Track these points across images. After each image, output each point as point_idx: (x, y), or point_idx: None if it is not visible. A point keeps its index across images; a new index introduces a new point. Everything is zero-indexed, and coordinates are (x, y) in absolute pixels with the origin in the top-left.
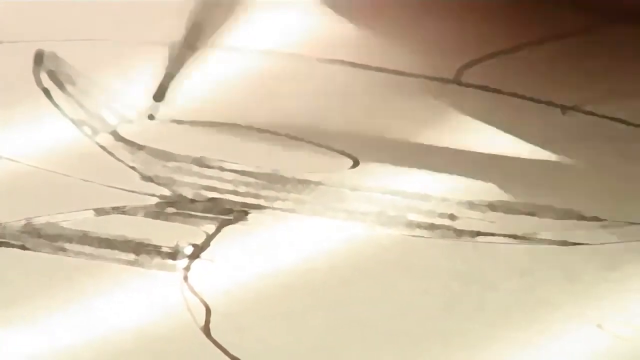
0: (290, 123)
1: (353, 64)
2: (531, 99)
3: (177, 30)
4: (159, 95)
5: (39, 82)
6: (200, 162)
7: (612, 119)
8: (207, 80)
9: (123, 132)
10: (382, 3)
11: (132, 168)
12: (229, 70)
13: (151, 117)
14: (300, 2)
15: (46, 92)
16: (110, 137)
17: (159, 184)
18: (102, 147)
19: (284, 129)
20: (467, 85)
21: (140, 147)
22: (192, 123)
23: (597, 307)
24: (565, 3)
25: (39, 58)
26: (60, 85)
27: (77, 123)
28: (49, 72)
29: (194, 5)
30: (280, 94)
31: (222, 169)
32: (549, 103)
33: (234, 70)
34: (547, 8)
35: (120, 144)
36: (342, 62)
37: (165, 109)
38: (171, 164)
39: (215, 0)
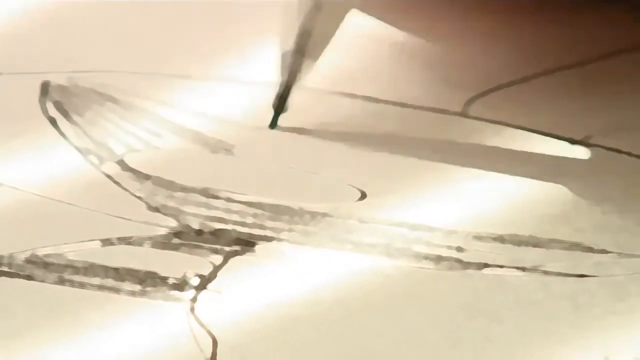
0: (296, 154)
1: (358, 96)
2: (539, 132)
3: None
4: (280, 105)
5: (45, 112)
6: (207, 193)
7: (619, 151)
8: (209, 110)
9: (130, 161)
10: (387, 35)
11: (139, 198)
12: (234, 101)
13: (273, 126)
14: None
15: (52, 121)
16: (117, 167)
17: (165, 214)
18: (108, 176)
19: (291, 161)
20: (475, 118)
21: (147, 177)
22: (199, 152)
23: (604, 339)
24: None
25: (45, 89)
26: (66, 115)
27: (84, 152)
28: (55, 102)
29: (303, 12)
30: (286, 127)
31: (229, 200)
32: (557, 136)
33: (238, 101)
34: (556, 37)
35: (127, 173)
36: (347, 94)
37: (286, 119)
38: (178, 194)
39: (323, 5)
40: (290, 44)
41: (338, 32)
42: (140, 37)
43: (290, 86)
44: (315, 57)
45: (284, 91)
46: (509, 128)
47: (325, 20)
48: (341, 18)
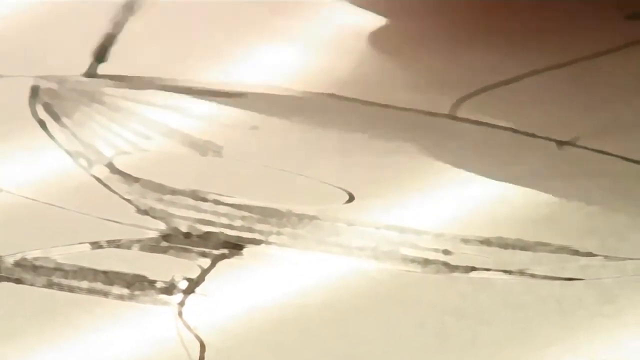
0: (285, 157)
1: (346, 98)
2: (526, 133)
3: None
4: (101, 54)
5: (34, 114)
6: (196, 195)
7: (606, 153)
8: (197, 114)
9: (119, 164)
10: (375, 36)
11: (128, 201)
12: (223, 103)
13: (92, 75)
14: (294, 38)
15: (42, 123)
16: (106, 169)
17: (154, 217)
18: (97, 179)
19: (280, 164)
20: (463, 120)
21: (136, 180)
22: (188, 154)
23: (591, 342)
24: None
25: (34, 91)
26: (55, 117)
27: (73, 155)
28: (44, 104)
29: None
30: (274, 128)
31: (217, 202)
32: (545, 137)
33: (226, 103)
34: (544, 37)
35: (116, 176)
36: (335, 96)
37: (105, 67)
38: (167, 197)
39: None
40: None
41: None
42: (129, 39)
43: (114, 36)
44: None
45: (106, 40)
46: (496, 130)
47: None
48: None
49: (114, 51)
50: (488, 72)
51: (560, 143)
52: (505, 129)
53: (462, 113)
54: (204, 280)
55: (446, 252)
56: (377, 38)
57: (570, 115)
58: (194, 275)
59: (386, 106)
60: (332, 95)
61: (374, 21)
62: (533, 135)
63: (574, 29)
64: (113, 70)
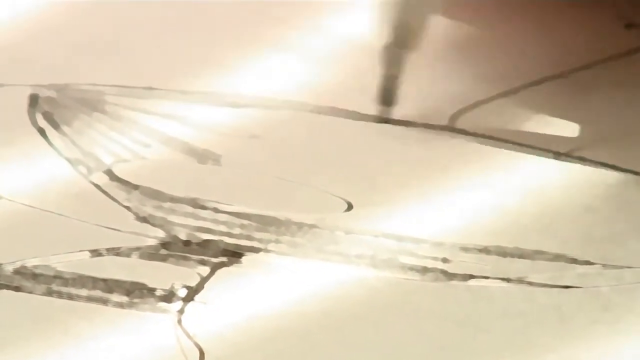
0: (284, 166)
1: (347, 111)
2: (524, 144)
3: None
4: (387, 98)
5: (34, 123)
6: (195, 203)
7: (604, 164)
8: (197, 123)
9: (118, 172)
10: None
11: (127, 208)
12: (222, 112)
13: (384, 120)
14: (295, 48)
15: (41, 131)
16: (105, 177)
17: (153, 224)
18: (97, 186)
19: (279, 172)
20: (461, 131)
21: (136, 187)
22: (187, 162)
23: (589, 349)
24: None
25: (34, 100)
26: (55, 126)
27: (73, 162)
28: (44, 113)
29: (394, 5)
30: (273, 137)
31: (216, 210)
32: (543, 148)
33: (225, 112)
34: (543, 47)
35: (115, 183)
36: (334, 108)
37: (397, 111)
38: (166, 205)
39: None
40: (387, 37)
41: (429, 21)
42: (129, 48)
43: (395, 78)
44: (414, 47)
45: (387, 83)
46: (494, 141)
47: (418, 9)
48: (436, 6)
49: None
50: (486, 84)
51: (558, 154)
52: (503, 140)
53: (460, 124)
54: (203, 288)
55: (445, 260)
56: (374, 49)
57: (569, 126)
58: (193, 283)
59: (384, 118)
60: (332, 107)
61: (374, 33)
62: (531, 146)
63: (573, 39)
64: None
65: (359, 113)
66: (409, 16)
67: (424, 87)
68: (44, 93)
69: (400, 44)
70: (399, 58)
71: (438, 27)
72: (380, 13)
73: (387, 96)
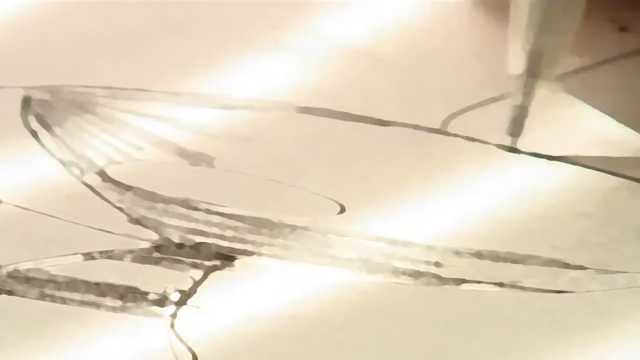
0: (277, 168)
1: (340, 113)
2: (517, 149)
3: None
4: (517, 129)
5: (26, 125)
6: (188, 205)
7: (595, 168)
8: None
9: (111, 173)
10: (367, 52)
11: (120, 209)
12: (215, 114)
13: (514, 150)
14: (288, 51)
15: (34, 134)
16: (98, 178)
17: (146, 226)
18: (89, 186)
19: (271, 174)
20: (453, 135)
21: (128, 188)
22: (180, 164)
23: (581, 353)
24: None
25: (26, 102)
26: (47, 128)
27: (66, 163)
28: (36, 115)
29: (532, 34)
30: (266, 140)
31: (209, 212)
32: (535, 153)
33: (219, 114)
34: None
35: (108, 184)
36: (329, 110)
37: (525, 142)
38: (159, 206)
39: (554, 27)
40: (521, 66)
41: (567, 51)
42: (121, 51)
43: (526, 109)
44: (548, 77)
45: (519, 113)
46: (486, 145)
47: (554, 39)
48: (569, 37)
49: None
50: (479, 88)
51: (551, 158)
52: (496, 144)
53: (452, 128)
54: (195, 292)
55: (437, 264)
56: (369, 53)
57: (562, 130)
58: (186, 287)
59: (378, 120)
60: (324, 109)
61: (367, 36)
62: (523, 151)
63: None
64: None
65: (351, 115)
66: (546, 45)
67: (416, 90)
68: (36, 95)
69: (534, 73)
70: (532, 88)
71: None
72: (513, 41)
73: (517, 126)
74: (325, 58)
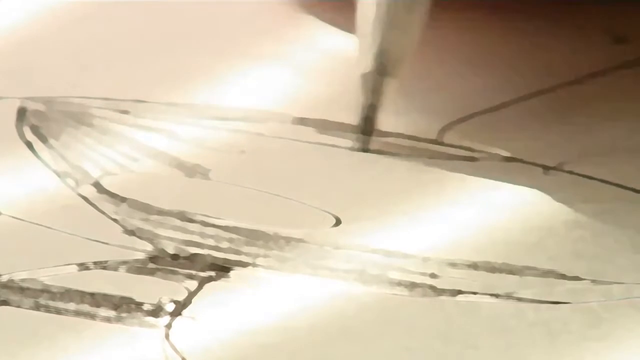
0: (272, 180)
1: (336, 124)
2: (513, 159)
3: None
4: (368, 128)
5: (21, 136)
6: (183, 216)
7: (593, 178)
8: (185, 138)
9: (106, 184)
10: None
11: (115, 221)
12: (211, 126)
13: (365, 150)
14: (284, 61)
15: (29, 145)
16: (93, 189)
17: (141, 237)
18: (84, 198)
19: (267, 187)
20: (449, 145)
21: (123, 200)
22: (175, 176)
23: None
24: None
25: (21, 113)
26: (43, 139)
27: (61, 175)
28: (32, 126)
29: (379, 32)
30: (262, 152)
31: (204, 224)
32: (532, 163)
33: (214, 126)
34: (531, 62)
35: (103, 196)
36: (325, 121)
37: (375, 141)
38: (154, 217)
39: (399, 24)
40: (368, 64)
41: (414, 48)
42: (117, 61)
43: (375, 107)
44: (396, 75)
45: (368, 112)
46: (483, 155)
47: (401, 37)
48: (417, 33)
49: None
50: (475, 98)
51: (547, 168)
52: (492, 154)
53: (448, 139)
54: (190, 302)
55: (433, 275)
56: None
57: (557, 140)
58: (181, 297)
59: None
60: (321, 119)
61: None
62: (520, 161)
63: (562, 54)
64: None
65: (348, 126)
66: (392, 43)
67: (412, 101)
68: (31, 106)
69: (381, 71)
70: (380, 86)
71: (427, 40)
72: (360, 40)
73: (369, 126)
74: (323, 69)
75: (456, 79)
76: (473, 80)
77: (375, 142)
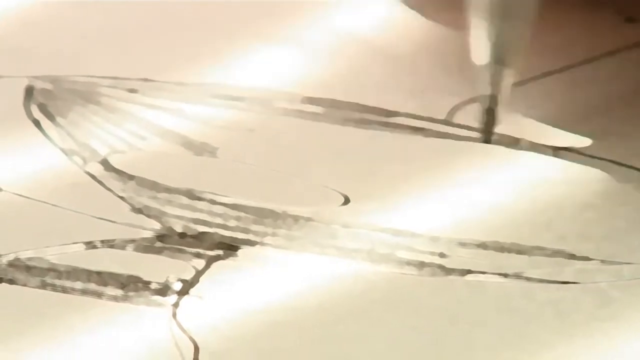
0: (281, 159)
1: (345, 103)
2: (523, 139)
3: None
4: (490, 120)
5: (29, 114)
6: (191, 194)
7: (603, 159)
8: (193, 116)
9: (114, 162)
10: (372, 41)
11: (122, 198)
12: (219, 106)
13: (488, 141)
14: (292, 41)
15: (36, 123)
16: (100, 167)
17: (148, 215)
18: (92, 176)
19: (275, 165)
20: (459, 126)
21: (131, 177)
22: (183, 154)
23: (588, 346)
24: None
25: (29, 92)
26: (50, 117)
27: (68, 153)
28: (39, 105)
29: (495, 22)
30: (270, 130)
31: (212, 202)
32: (541, 143)
33: (222, 104)
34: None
35: (111, 173)
36: (334, 100)
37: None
38: (162, 195)
39: (515, 14)
40: (486, 56)
41: (529, 37)
42: (125, 40)
43: (496, 98)
44: (513, 65)
45: (490, 103)
46: (493, 135)
47: (516, 26)
48: (531, 22)
49: None
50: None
51: (557, 148)
52: (502, 134)
53: (458, 119)
54: (198, 281)
55: (442, 255)
56: (374, 42)
57: (568, 120)
58: (189, 276)
59: (383, 110)
60: (329, 99)
61: (374, 25)
62: (529, 141)
63: (573, 34)
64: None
65: (357, 105)
66: (508, 33)
67: (422, 81)
68: (39, 85)
69: (500, 62)
70: (500, 76)
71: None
72: (474, 31)
73: (491, 117)
74: (332, 49)
75: (466, 60)
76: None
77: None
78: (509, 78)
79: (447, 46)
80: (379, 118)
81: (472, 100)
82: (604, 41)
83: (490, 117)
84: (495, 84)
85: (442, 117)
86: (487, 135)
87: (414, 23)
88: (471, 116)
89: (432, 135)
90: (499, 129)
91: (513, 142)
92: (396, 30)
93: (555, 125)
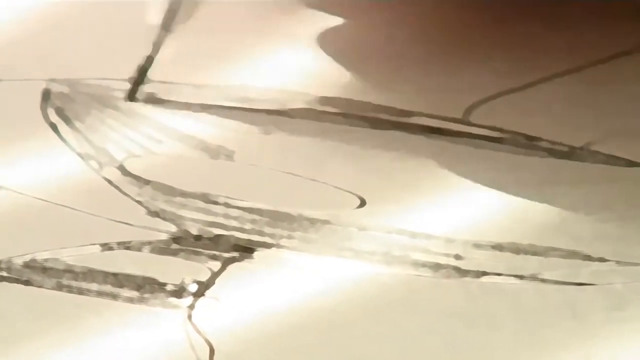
0: (296, 162)
1: (361, 103)
2: (539, 139)
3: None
4: (140, 77)
5: (46, 118)
6: (207, 198)
7: (619, 159)
8: (209, 120)
9: (130, 167)
10: (390, 40)
11: (139, 202)
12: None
13: (133, 99)
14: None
15: (53, 127)
16: (117, 172)
17: (164, 219)
18: (108, 181)
19: (291, 168)
20: (475, 125)
21: (147, 182)
22: (199, 158)
23: (604, 348)
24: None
25: (46, 95)
26: (67, 121)
27: (84, 157)
28: (56, 108)
29: None
30: (286, 133)
31: (228, 206)
32: (557, 143)
33: (241, 108)
34: (556, 42)
35: (127, 178)
36: (350, 100)
37: (146, 90)
38: (177, 199)
39: None
40: (158, 18)
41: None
42: (141, 45)
43: (152, 59)
44: (173, 32)
45: (146, 63)
46: (509, 136)
47: None
48: None
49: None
50: (500, 78)
51: (572, 149)
52: (517, 134)
53: (474, 119)
54: (214, 283)
55: (457, 257)
56: (389, 42)
57: (582, 121)
58: (204, 278)
59: (398, 110)
60: (345, 100)
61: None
62: (546, 141)
63: (588, 33)
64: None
65: (372, 105)
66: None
67: (438, 80)
68: (56, 88)
69: (166, 27)
70: (162, 40)
71: (452, 20)
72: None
73: (142, 75)
74: (343, 49)
75: (482, 59)
76: (499, 61)
77: None
78: (171, 44)
79: (463, 45)
80: (395, 118)
81: (488, 99)
82: (618, 41)
83: (141, 75)
84: (156, 47)
85: (458, 116)
86: (132, 93)
87: (429, 21)
88: (488, 115)
89: (448, 135)
90: (147, 88)
91: (527, 143)
92: (408, 29)
93: (569, 125)
